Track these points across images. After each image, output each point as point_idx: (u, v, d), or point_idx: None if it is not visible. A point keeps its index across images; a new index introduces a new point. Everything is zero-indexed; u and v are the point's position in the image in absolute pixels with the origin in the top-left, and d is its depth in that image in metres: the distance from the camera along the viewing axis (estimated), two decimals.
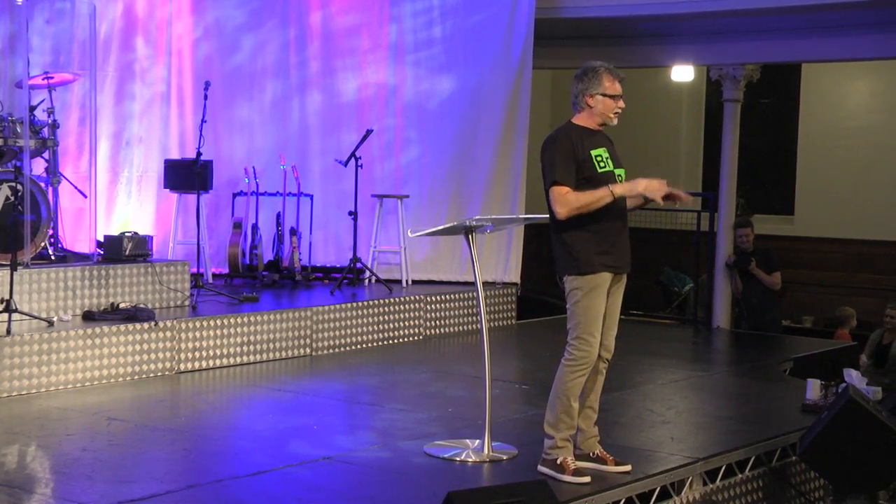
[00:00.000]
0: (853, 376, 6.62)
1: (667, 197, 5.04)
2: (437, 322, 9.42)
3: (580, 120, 5.11)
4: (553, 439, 5.09)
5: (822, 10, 9.64)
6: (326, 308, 8.45)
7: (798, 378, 8.04)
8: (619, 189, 4.97)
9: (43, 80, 8.34)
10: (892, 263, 13.25)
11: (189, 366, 7.52)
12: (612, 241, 5.04)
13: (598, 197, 4.93)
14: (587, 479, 5.01)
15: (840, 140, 13.67)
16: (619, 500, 5.04)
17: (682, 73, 12.18)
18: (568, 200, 4.94)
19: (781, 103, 14.46)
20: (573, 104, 5.12)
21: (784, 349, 9.53)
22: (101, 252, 8.35)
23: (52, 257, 7.86)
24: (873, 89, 13.56)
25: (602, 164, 5.03)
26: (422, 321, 9.28)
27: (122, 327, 7.19)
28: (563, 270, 5.06)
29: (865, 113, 13.60)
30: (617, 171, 5.08)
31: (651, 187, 4.98)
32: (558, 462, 5.05)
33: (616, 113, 5.10)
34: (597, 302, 5.01)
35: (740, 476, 5.78)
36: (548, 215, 5.22)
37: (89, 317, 7.45)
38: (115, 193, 9.56)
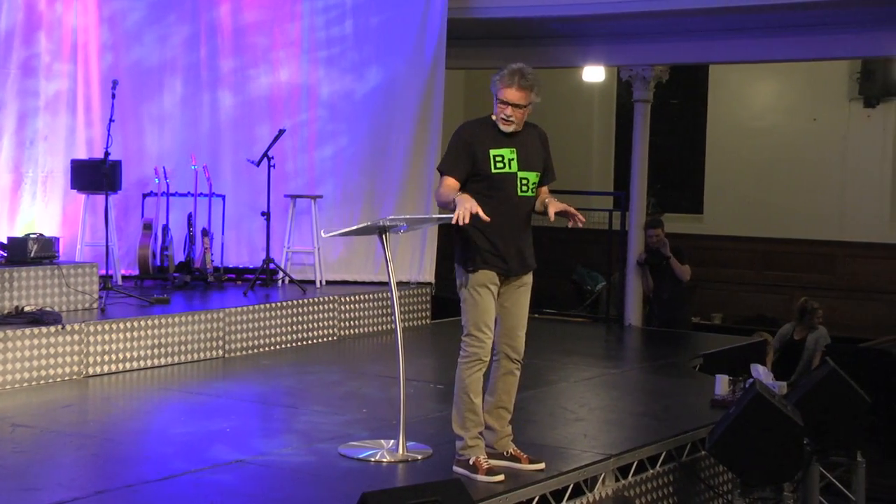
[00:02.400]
0: (760, 372, 6.76)
1: (561, 213, 5.05)
2: (352, 322, 9.38)
3: (495, 116, 5.10)
4: (463, 440, 5.11)
5: (728, 13, 9.84)
6: (239, 309, 8.36)
7: (707, 374, 8.20)
8: (459, 198, 4.89)
9: None
10: (798, 261, 13.59)
11: (98, 369, 7.37)
12: (502, 241, 5.04)
13: (449, 199, 4.95)
14: (501, 477, 5.03)
15: (746, 140, 13.99)
16: (533, 498, 5.08)
17: (594, 73, 12.32)
18: (439, 193, 5.08)
19: (690, 104, 14.74)
20: None
21: (694, 346, 9.69)
22: (5, 254, 8.15)
23: None
24: (777, 90, 13.91)
25: (499, 165, 5.02)
26: (336, 322, 9.24)
27: (28, 331, 7.02)
28: (456, 262, 5.14)
29: (770, 113, 13.94)
30: (522, 174, 5.07)
31: (462, 212, 4.80)
32: (471, 462, 5.07)
33: (503, 119, 5.04)
34: (484, 299, 5.03)
35: (651, 472, 5.87)
36: None
37: None
38: (19, 194, 9.31)
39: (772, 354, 10.17)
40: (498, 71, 5.07)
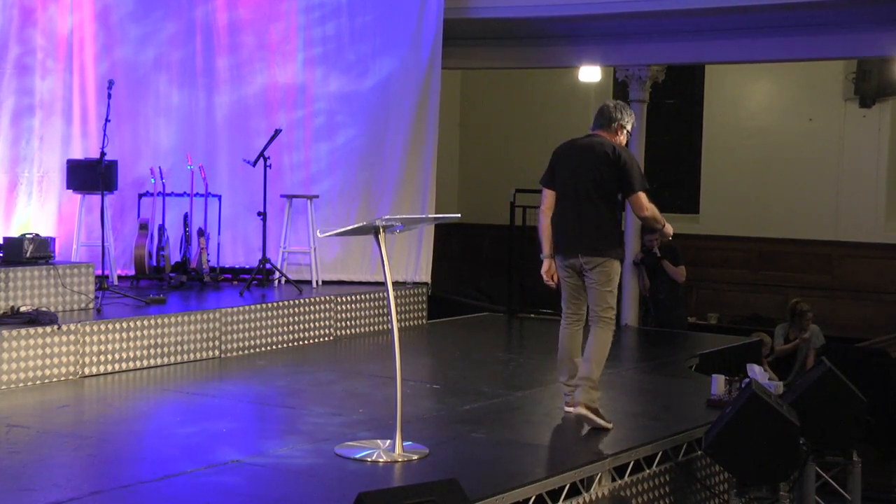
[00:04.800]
0: (756, 371, 6.76)
1: None
2: (348, 322, 9.38)
3: (613, 140, 6.08)
4: (597, 390, 6.08)
5: (724, 13, 9.86)
6: (235, 309, 8.35)
7: (703, 374, 8.19)
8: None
9: None
10: (793, 261, 13.60)
11: (94, 370, 7.36)
12: None
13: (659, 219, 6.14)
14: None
15: (742, 140, 13.99)
16: (529, 498, 5.08)
17: (590, 73, 12.32)
18: (655, 209, 6.07)
19: (686, 104, 14.73)
20: (604, 125, 6.11)
21: (690, 346, 9.69)
22: (1, 254, 8.13)
23: None
24: (772, 90, 13.91)
25: None
26: (332, 322, 9.23)
27: (23, 331, 7.01)
28: (608, 253, 6.01)
29: (765, 114, 13.94)
30: None
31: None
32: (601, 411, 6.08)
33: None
34: None
35: (648, 471, 5.87)
36: (457, 214, 5.76)
37: None
38: (15, 194, 9.31)
39: (771, 350, 10.19)
40: (622, 106, 6.13)
